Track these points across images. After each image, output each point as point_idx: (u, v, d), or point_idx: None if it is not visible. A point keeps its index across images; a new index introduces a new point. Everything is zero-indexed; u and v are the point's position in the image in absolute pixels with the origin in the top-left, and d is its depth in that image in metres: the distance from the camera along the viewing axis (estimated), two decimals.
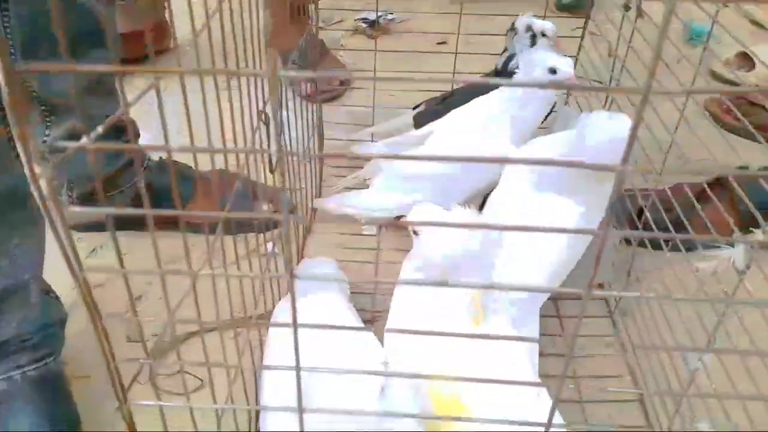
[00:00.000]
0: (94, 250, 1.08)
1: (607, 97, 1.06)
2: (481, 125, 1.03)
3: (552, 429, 0.40)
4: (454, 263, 0.59)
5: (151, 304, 0.96)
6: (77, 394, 0.79)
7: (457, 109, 1.07)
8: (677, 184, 0.94)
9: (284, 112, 0.93)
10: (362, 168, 1.14)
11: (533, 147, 0.91)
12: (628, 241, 0.95)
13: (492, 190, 0.94)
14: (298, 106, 1.00)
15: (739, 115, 1.14)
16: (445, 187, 0.99)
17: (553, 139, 0.92)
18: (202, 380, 0.83)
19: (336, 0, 1.49)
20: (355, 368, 0.56)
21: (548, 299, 0.96)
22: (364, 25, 1.74)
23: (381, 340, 0.68)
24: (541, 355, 0.85)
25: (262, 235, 0.85)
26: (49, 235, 0.36)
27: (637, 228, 0.98)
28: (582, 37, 1.16)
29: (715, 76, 1.60)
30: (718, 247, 0.75)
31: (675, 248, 0.85)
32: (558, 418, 0.65)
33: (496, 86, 1.05)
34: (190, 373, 0.82)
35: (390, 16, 1.74)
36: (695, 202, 0.75)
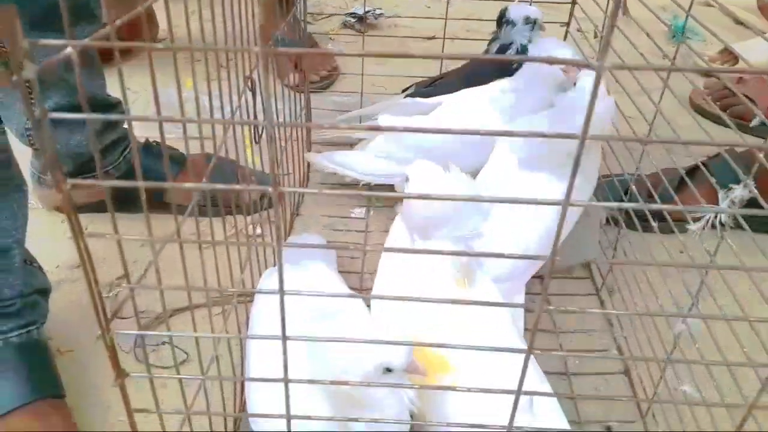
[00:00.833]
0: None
1: None
2: (486, 105, 1.03)
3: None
4: (442, 217, 0.59)
5: (138, 277, 0.96)
6: (62, 368, 0.78)
7: (467, 90, 1.08)
8: (664, 169, 0.95)
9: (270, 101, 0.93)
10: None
11: (521, 125, 0.92)
12: (616, 222, 0.96)
13: None
14: (286, 97, 1.01)
15: (709, 101, 1.16)
16: (442, 162, 1.00)
17: (541, 117, 0.93)
18: (188, 354, 0.83)
19: None
20: (342, 332, 0.56)
21: (535, 277, 0.97)
22: (352, 20, 1.75)
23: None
24: (527, 329, 0.85)
25: (249, 217, 0.85)
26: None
27: (626, 210, 0.99)
28: (568, 24, 1.18)
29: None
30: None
31: (664, 230, 0.86)
32: (546, 386, 0.65)
33: (491, 72, 1.07)
34: (178, 347, 0.82)
35: (379, 11, 1.75)
36: (686, 178, 0.75)
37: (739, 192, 0.54)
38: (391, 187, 1.07)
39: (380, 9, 1.76)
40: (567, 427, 0.59)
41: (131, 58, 1.45)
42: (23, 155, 0.93)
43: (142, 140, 1.08)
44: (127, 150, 1.04)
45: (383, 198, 1.12)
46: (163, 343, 0.83)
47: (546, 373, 0.72)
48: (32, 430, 0.67)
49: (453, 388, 0.43)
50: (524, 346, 0.69)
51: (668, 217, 0.75)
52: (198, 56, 1.27)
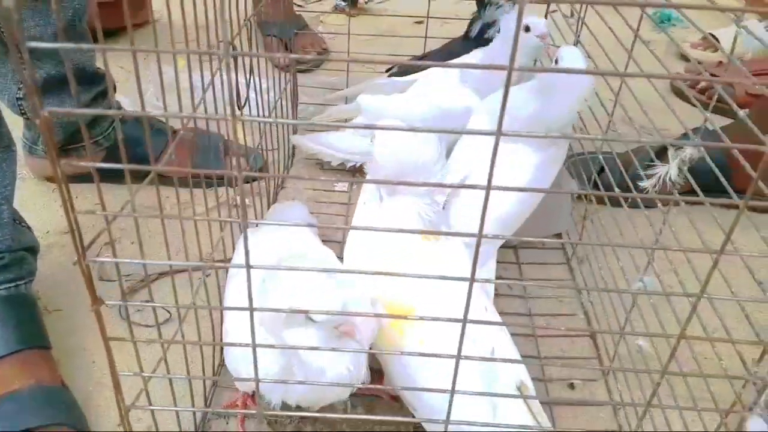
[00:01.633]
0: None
1: None
2: (456, 82, 1.06)
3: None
4: (406, 167, 0.62)
5: (124, 248, 0.99)
6: (49, 326, 0.81)
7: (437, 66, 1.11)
8: (634, 150, 0.99)
9: (256, 79, 0.96)
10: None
11: (494, 97, 0.95)
12: (588, 198, 0.99)
13: None
14: (274, 76, 1.04)
15: (685, 87, 1.18)
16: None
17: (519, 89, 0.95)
18: (170, 314, 0.86)
19: None
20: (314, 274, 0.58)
21: (509, 247, 1.00)
22: (343, 4, 1.78)
23: None
24: (497, 295, 0.89)
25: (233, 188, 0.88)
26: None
27: (598, 188, 1.03)
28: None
29: (682, 57, 1.65)
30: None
31: (634, 205, 0.89)
32: (515, 353, 0.68)
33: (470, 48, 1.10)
34: (162, 306, 0.85)
35: None
36: (655, 158, 0.78)
37: (689, 151, 0.57)
38: None
39: None
40: (522, 364, 0.63)
41: (120, 36, 1.48)
42: (15, 125, 0.96)
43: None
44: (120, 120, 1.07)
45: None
46: (146, 301, 0.86)
47: (514, 335, 0.75)
48: (18, 378, 0.70)
49: (404, 317, 0.46)
50: (491, 307, 0.73)
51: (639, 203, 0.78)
52: (191, 36, 1.30)
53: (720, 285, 0.54)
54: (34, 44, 0.34)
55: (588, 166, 1.03)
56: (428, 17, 1.20)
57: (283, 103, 1.12)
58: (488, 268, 0.87)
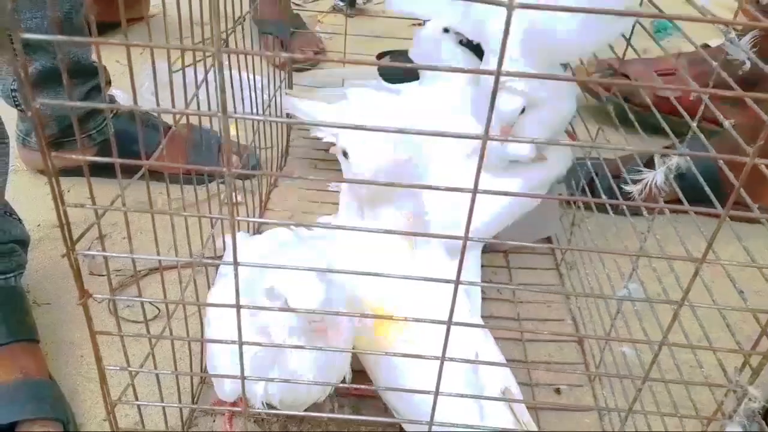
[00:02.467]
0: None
1: None
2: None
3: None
4: (384, 177, 0.62)
5: (115, 243, 0.99)
6: (37, 319, 0.81)
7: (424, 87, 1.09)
8: (622, 157, 0.99)
9: (250, 76, 0.97)
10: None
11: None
12: (576, 204, 0.99)
13: None
14: (269, 74, 1.04)
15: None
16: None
17: None
18: (159, 310, 0.86)
19: None
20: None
21: (497, 251, 1.01)
22: (341, 4, 1.78)
23: None
24: (486, 299, 0.90)
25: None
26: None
27: (593, 194, 1.03)
28: None
29: None
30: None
31: (620, 212, 0.90)
32: (500, 359, 0.68)
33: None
34: (150, 302, 0.85)
35: None
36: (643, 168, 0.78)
37: (675, 160, 0.58)
38: None
39: None
40: (507, 368, 0.63)
41: (118, 32, 1.48)
42: (10, 118, 0.96)
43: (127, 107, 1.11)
44: (112, 114, 1.07)
45: None
46: (134, 296, 0.86)
47: (502, 339, 0.76)
48: (5, 371, 0.70)
49: (390, 317, 0.47)
50: (476, 314, 0.73)
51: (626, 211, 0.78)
52: (186, 33, 1.30)
53: (703, 293, 0.55)
54: (27, 35, 0.34)
55: (576, 172, 1.04)
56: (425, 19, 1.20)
57: (278, 101, 1.12)
58: (472, 273, 0.87)
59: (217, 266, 0.78)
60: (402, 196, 0.65)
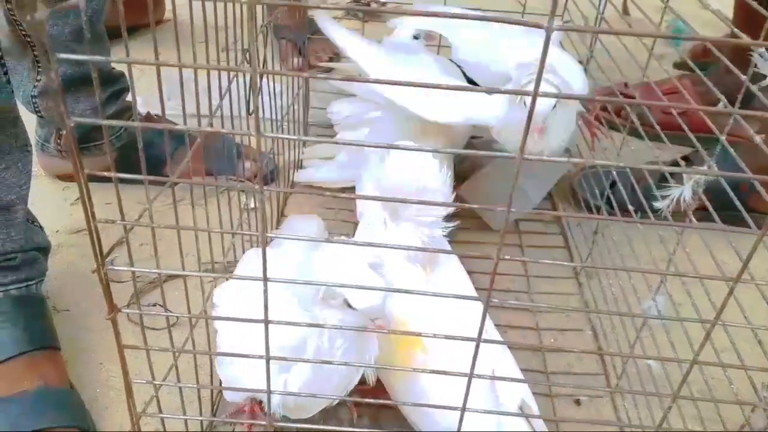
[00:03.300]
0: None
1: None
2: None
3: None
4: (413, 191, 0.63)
5: (134, 250, 0.99)
6: (57, 325, 0.81)
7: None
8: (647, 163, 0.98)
9: (271, 84, 0.97)
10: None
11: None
12: (598, 210, 0.99)
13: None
14: (287, 80, 1.04)
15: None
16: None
17: None
18: (177, 317, 0.86)
19: None
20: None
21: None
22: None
23: None
24: (503, 308, 0.89)
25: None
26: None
27: (610, 203, 1.02)
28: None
29: (676, 65, 1.63)
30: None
31: (645, 215, 0.89)
32: (517, 374, 0.67)
33: None
34: (175, 315, 0.85)
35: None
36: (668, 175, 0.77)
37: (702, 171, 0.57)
38: None
39: None
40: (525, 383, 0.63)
41: (137, 36, 1.49)
42: (29, 124, 0.97)
43: (144, 113, 1.12)
44: (129, 120, 1.08)
45: None
46: (155, 304, 0.87)
47: (521, 348, 0.75)
48: (26, 379, 0.70)
49: (419, 334, 0.47)
50: (492, 329, 0.73)
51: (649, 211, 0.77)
52: (201, 38, 1.30)
53: (733, 308, 0.54)
54: (64, 56, 0.34)
55: (600, 179, 1.03)
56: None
57: (296, 107, 1.12)
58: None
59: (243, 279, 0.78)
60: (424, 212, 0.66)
